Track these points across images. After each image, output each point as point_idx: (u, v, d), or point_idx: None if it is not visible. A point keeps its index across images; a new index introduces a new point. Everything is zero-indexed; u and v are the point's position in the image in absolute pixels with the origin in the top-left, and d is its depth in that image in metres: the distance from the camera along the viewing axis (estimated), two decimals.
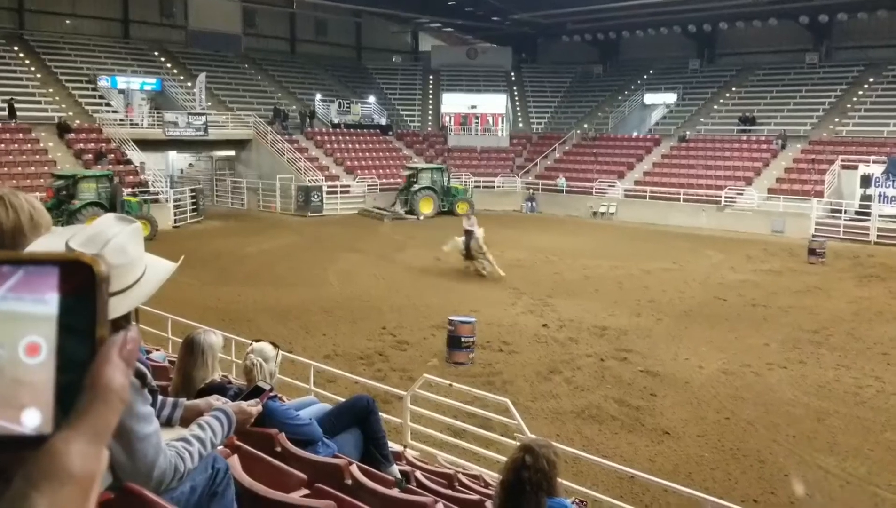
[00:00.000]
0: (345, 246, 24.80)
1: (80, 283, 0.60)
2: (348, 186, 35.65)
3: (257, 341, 4.61)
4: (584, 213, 34.60)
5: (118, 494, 2.09)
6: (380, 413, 7.37)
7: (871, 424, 10.10)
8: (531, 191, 37.81)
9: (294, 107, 40.37)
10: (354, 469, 4.15)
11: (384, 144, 40.87)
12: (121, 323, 1.80)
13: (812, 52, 39.92)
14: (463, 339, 12.33)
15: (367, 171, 37.09)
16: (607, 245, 25.93)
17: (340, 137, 39.51)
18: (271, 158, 35.47)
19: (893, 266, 21.83)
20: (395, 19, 48.74)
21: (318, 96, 41.85)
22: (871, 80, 36.60)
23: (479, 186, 37.67)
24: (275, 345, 4.58)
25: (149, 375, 2.12)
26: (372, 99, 43.67)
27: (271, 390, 4.05)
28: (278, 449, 4.58)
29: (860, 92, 36.40)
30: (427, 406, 8.54)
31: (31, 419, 0.59)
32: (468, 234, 19.52)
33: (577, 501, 4.06)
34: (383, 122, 42.23)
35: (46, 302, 0.59)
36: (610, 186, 35.90)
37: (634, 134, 41.20)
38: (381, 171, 37.41)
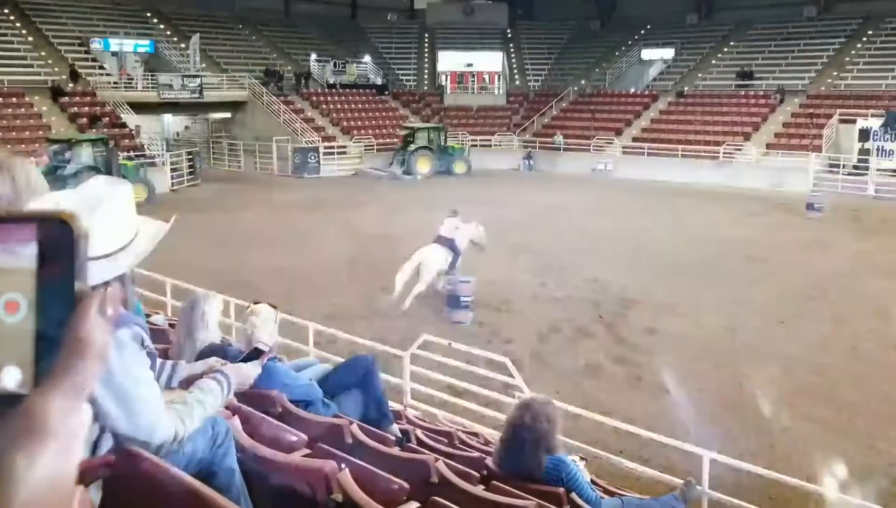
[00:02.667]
0: (343, 206, 24.73)
1: (59, 239, 0.60)
2: (345, 146, 35.42)
3: (256, 302, 4.61)
4: (582, 170, 34.46)
5: (119, 456, 2.10)
6: (380, 374, 7.44)
7: (868, 377, 10.19)
8: (528, 149, 37.62)
9: (290, 68, 39.91)
10: (355, 428, 4.18)
11: (380, 104, 40.50)
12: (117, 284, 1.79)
13: (810, 6, 39.39)
14: (462, 298, 12.37)
15: (363, 131, 36.82)
16: (606, 202, 25.89)
17: (336, 98, 39.13)
18: (267, 120, 35.16)
19: (891, 220, 21.84)
20: None
21: (313, 56, 41.34)
22: (870, 32, 36.17)
23: (476, 145, 37.48)
24: (273, 306, 4.58)
25: (146, 338, 2.11)
26: (367, 58, 43.14)
27: (270, 351, 4.06)
28: (279, 410, 4.61)
29: (858, 45, 36.00)
30: (427, 366, 8.59)
31: (11, 377, 0.58)
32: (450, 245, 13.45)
33: (577, 457, 4.11)
34: (379, 81, 41.78)
35: (25, 257, 0.59)
36: (608, 143, 35.71)
37: (632, 90, 40.82)
38: (377, 131, 37.14)
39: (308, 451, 3.95)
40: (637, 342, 11.53)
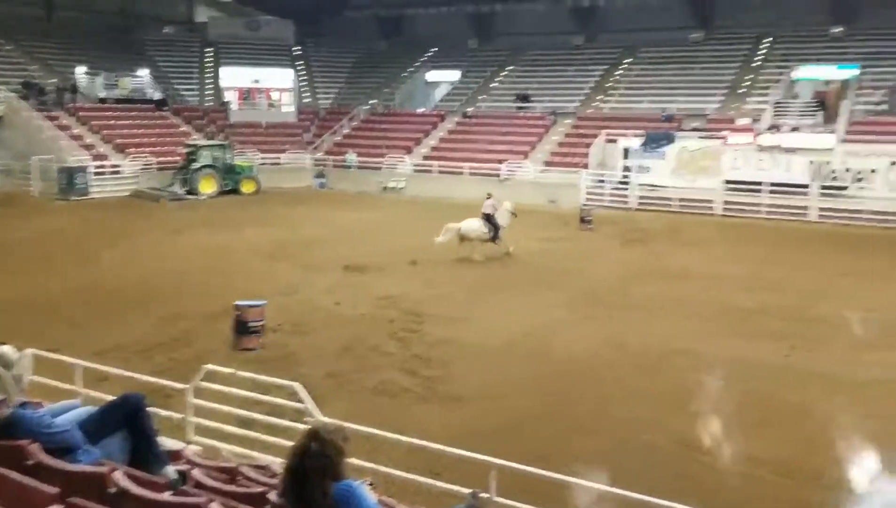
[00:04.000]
0: (118, 230, 22.95)
1: None
2: (119, 166, 32.92)
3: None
4: (374, 188, 34.72)
5: None
6: (157, 410, 6.85)
7: (645, 370, 11.08)
8: (321, 167, 37.28)
9: (55, 80, 36.45)
10: (118, 475, 3.74)
11: (159, 120, 38.13)
12: None
13: (577, 35, 42.87)
14: (251, 324, 11.83)
15: (140, 149, 34.46)
16: (399, 219, 26.25)
17: (108, 114, 36.25)
18: (27, 137, 31.80)
19: (651, 230, 24.16)
20: None
21: (81, 69, 38.07)
22: (629, 61, 40.05)
23: (265, 163, 36.48)
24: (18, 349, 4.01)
25: None
26: (144, 72, 40.54)
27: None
28: (30, 462, 4.07)
29: (618, 72, 39.72)
30: (214, 398, 8.07)
31: None
32: (488, 218, 19.29)
33: (366, 481, 3.97)
34: (157, 96, 39.39)
35: None
36: (399, 161, 36.33)
37: (420, 110, 41.89)
38: (156, 149, 34.91)
39: (61, 506, 3.48)
40: (431, 356, 11.67)
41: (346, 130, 40.92)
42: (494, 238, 19.33)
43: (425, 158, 36.73)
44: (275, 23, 46.82)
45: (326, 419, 6.67)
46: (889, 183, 26.72)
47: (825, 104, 32.05)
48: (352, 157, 37.05)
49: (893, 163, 26.68)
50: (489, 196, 20.35)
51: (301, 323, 13.29)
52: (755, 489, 7.75)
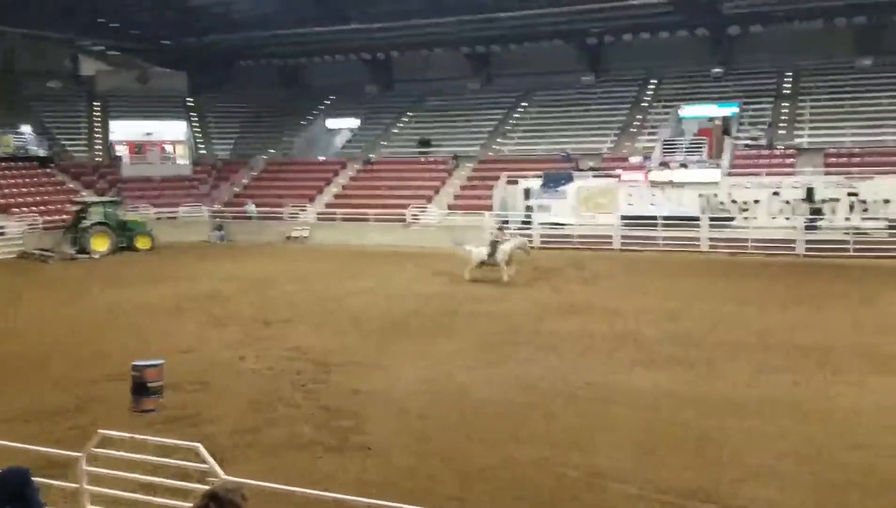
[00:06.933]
0: (6, 293, 21.61)
1: None
2: (3, 226, 31.13)
3: None
4: (278, 238, 34.11)
5: None
6: (48, 481, 6.36)
7: (554, 407, 11.13)
8: (219, 220, 36.39)
9: None
10: None
11: (45, 177, 36.48)
12: None
13: (474, 80, 43.95)
14: (150, 384, 11.23)
15: (26, 208, 32.75)
16: (304, 269, 25.81)
17: None
18: None
19: (554, 268, 24.64)
20: (50, 41, 43.69)
21: None
22: (526, 105, 41.30)
23: (160, 218, 35.31)
24: None
25: None
26: (27, 128, 38.76)
27: None
28: None
29: (516, 115, 40.87)
30: (111, 465, 7.56)
31: None
32: (493, 244, 22.50)
33: None
34: (42, 153, 37.67)
35: None
36: (301, 210, 35.91)
37: (322, 158, 41.72)
38: (43, 208, 33.27)
39: None
40: (341, 406, 11.38)
41: (244, 181, 40.24)
42: (490, 256, 22.35)
43: (328, 205, 36.48)
44: (167, 75, 45.85)
45: (228, 478, 6.37)
46: (771, 212, 28.37)
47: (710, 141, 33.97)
48: (251, 207, 36.37)
49: (775, 193, 28.37)
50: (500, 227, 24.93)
51: (204, 380, 12.73)
52: None
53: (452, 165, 37.25)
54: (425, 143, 39.67)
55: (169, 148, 41.98)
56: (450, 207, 34.25)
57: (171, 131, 42.18)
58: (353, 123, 43.95)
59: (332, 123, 44.51)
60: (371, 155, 39.94)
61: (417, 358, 13.98)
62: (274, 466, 8.89)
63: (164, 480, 7.41)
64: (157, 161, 41.13)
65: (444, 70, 44.14)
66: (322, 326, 16.87)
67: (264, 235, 34.39)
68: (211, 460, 6.69)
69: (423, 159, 38.89)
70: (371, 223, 33.61)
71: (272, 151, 42.37)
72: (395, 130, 42.54)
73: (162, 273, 24.93)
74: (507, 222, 25.28)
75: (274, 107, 46.79)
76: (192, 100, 46.15)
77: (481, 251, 22.65)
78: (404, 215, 33.59)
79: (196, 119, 45.41)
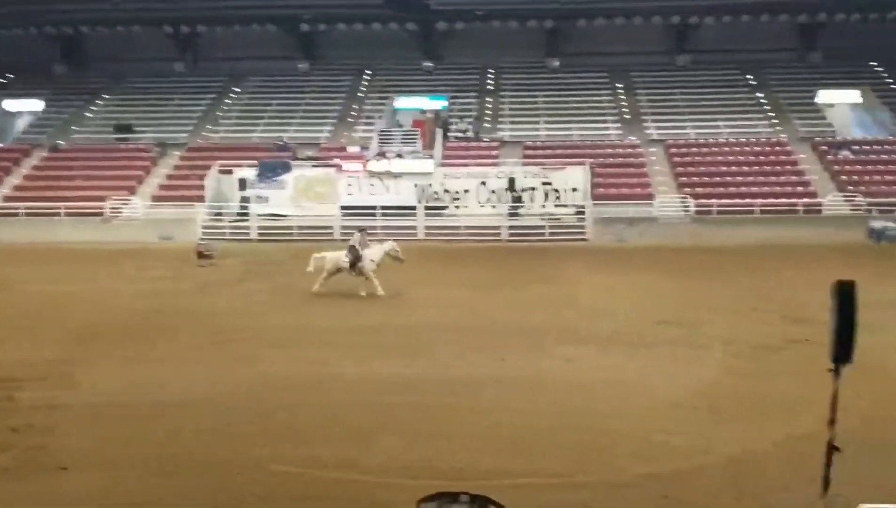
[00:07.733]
0: None
1: None
2: None
3: None
4: None
5: None
6: None
7: (289, 399, 10.44)
8: None
9: None
10: None
11: None
12: None
13: (179, 62, 41.07)
14: None
15: None
16: None
17: None
18: None
19: (275, 260, 23.73)
20: None
21: None
22: (238, 89, 39.48)
23: None
24: None
25: None
26: None
27: None
28: None
29: (227, 101, 38.96)
30: None
31: None
32: (352, 249, 18.52)
33: None
34: None
35: None
36: None
37: None
38: None
39: None
40: (32, 424, 9.70)
41: None
42: (353, 266, 18.49)
43: (7, 198, 31.80)
44: None
45: None
46: (479, 201, 30.13)
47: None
48: None
49: (482, 183, 30.16)
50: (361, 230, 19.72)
51: None
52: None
53: (158, 153, 34.40)
54: (125, 128, 36.17)
55: None
56: (156, 198, 31.62)
57: None
58: (37, 105, 38.66)
59: (10, 104, 38.75)
60: (59, 141, 35.46)
61: (119, 366, 12.43)
62: None
63: None
64: None
65: (146, 50, 40.61)
66: (13, 335, 14.39)
67: None
68: None
69: (122, 147, 35.43)
70: (63, 218, 29.84)
71: None
72: (89, 114, 38.35)
73: None
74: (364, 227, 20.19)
75: None
76: None
77: (339, 258, 18.62)
78: (103, 208, 30.30)
79: None
